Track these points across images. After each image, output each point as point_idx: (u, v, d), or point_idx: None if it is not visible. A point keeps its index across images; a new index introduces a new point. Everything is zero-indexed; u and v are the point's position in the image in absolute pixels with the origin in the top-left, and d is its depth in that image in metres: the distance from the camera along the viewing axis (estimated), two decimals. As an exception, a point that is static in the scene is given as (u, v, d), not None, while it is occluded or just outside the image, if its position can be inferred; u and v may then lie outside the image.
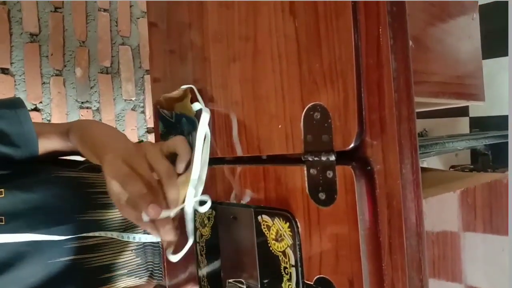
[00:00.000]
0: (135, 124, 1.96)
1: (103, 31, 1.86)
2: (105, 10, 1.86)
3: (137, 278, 0.76)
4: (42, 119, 1.67)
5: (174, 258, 0.54)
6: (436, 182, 0.54)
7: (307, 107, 0.45)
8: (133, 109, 1.96)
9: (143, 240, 0.75)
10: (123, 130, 1.91)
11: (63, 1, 1.74)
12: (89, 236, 0.68)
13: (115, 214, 0.73)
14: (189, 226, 0.57)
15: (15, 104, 0.68)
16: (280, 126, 0.49)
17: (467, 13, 0.64)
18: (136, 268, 0.76)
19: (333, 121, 0.43)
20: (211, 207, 0.60)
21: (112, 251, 0.72)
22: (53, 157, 0.74)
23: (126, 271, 0.74)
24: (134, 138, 1.94)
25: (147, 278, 0.78)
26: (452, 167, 1.60)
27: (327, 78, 0.44)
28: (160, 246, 0.80)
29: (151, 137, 2.00)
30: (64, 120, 1.73)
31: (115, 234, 0.71)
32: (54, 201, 0.66)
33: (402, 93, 0.40)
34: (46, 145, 0.70)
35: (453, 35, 0.61)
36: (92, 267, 0.69)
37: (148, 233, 0.74)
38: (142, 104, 1.99)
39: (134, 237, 0.73)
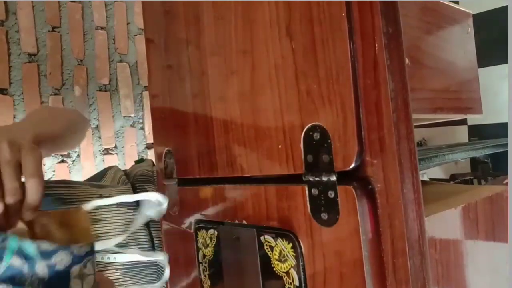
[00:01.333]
0: (135, 140, 1.96)
1: (100, 49, 1.87)
2: (102, 28, 1.87)
3: None
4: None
5: None
6: (436, 197, 0.54)
7: (307, 127, 0.45)
8: (132, 126, 1.96)
9: (118, 260, 0.70)
10: (123, 147, 1.92)
11: (60, 21, 1.75)
12: None
13: None
14: None
15: None
16: (280, 147, 0.49)
17: (461, 27, 0.65)
18: None
19: (332, 141, 0.43)
20: (213, 228, 0.60)
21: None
22: None
23: None
24: (134, 155, 1.94)
25: None
26: (452, 175, 1.60)
27: (325, 99, 0.44)
28: (159, 266, 0.79)
29: (151, 153, 2.00)
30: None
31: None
32: None
33: (400, 112, 0.41)
34: None
35: (448, 50, 0.62)
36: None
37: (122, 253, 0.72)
38: (141, 120, 1.99)
39: (108, 257, 0.69)
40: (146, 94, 2.00)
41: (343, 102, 0.42)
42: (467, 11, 0.66)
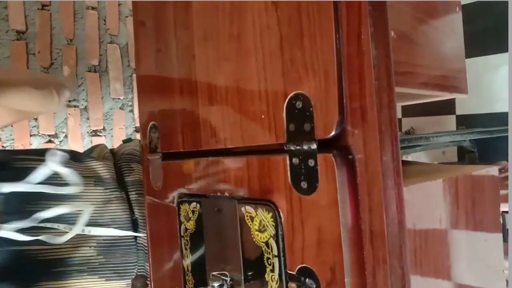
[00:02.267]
0: (124, 123, 1.95)
1: (91, 30, 1.84)
2: (93, 8, 1.85)
3: (103, 279, 0.74)
4: (28, 118, 1.65)
5: None
6: (419, 174, 0.54)
7: (289, 96, 0.45)
8: (121, 108, 1.94)
9: (93, 233, 0.71)
10: (111, 129, 1.90)
11: (50, -1, 1.73)
12: (42, 227, 0.67)
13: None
14: None
15: None
16: (263, 117, 0.49)
17: (450, 5, 0.65)
18: (99, 267, 0.74)
19: (314, 109, 0.43)
20: (196, 201, 0.60)
21: (67, 244, 0.70)
22: None
23: (85, 268, 0.72)
24: (122, 137, 1.93)
25: (124, 281, 0.76)
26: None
27: (308, 68, 0.44)
28: (142, 243, 0.79)
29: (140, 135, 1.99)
30: (51, 119, 1.72)
31: (61, 226, 0.69)
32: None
33: (383, 80, 0.40)
34: None
35: (436, 28, 0.62)
36: (45, 259, 0.67)
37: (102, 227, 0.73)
38: (130, 103, 1.98)
39: (83, 230, 0.70)
40: (135, 76, 1.98)
41: (326, 70, 0.42)
42: (455, -11, 0.66)
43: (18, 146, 1.62)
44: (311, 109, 0.43)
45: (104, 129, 1.88)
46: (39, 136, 1.68)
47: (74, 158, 0.79)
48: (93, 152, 0.92)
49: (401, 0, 0.58)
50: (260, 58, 0.49)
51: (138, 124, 1.99)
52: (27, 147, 1.64)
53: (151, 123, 0.73)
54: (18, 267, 0.64)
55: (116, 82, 1.92)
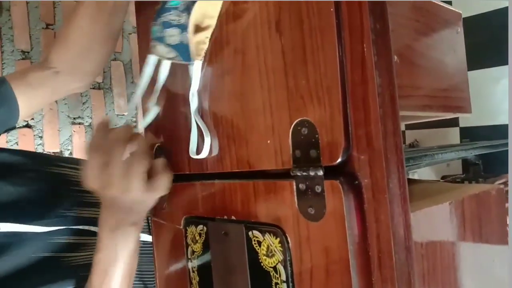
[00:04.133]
0: (128, 139, 1.95)
1: (95, 47, 1.87)
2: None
3: None
4: (34, 135, 1.66)
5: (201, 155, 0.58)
6: (424, 195, 0.55)
7: (295, 122, 0.46)
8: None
9: None
10: (116, 145, 1.91)
11: (54, 18, 1.75)
12: (74, 233, 0.67)
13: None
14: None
15: None
16: (269, 142, 0.49)
17: (451, 27, 0.66)
18: None
19: (320, 136, 0.43)
20: (203, 224, 0.60)
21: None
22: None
23: None
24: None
25: None
26: (444, 177, 1.61)
27: (313, 94, 0.44)
28: (150, 248, 0.78)
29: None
30: (56, 137, 1.73)
31: (93, 228, 0.69)
32: (40, 195, 0.66)
33: (387, 108, 0.41)
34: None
35: (438, 49, 0.62)
36: (76, 265, 0.68)
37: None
38: (134, 119, 1.99)
39: None
40: (140, 93, 1.99)
41: (331, 97, 0.43)
42: (457, 11, 0.66)
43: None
44: (316, 136, 0.44)
45: (108, 145, 1.89)
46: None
47: None
48: None
49: (401, 23, 0.59)
50: (265, 84, 0.50)
51: (142, 140, 1.99)
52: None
53: (156, 145, 0.73)
54: (50, 272, 0.64)
55: (120, 98, 1.94)
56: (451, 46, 0.65)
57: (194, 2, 0.56)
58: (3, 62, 1.62)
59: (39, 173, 0.70)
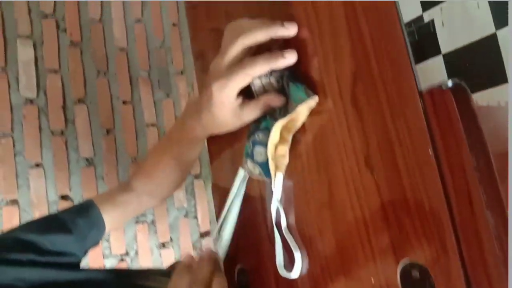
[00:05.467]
0: (189, 230, 1.97)
1: (152, 146, 1.95)
2: (153, 125, 1.96)
3: None
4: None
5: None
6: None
7: (403, 264, 0.44)
8: (185, 216, 1.98)
9: None
10: (178, 239, 1.93)
11: (114, 123, 1.85)
12: None
13: None
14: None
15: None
16: (373, 281, 0.47)
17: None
18: None
19: (436, 281, 0.41)
20: None
21: None
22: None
23: None
24: (188, 245, 1.95)
25: None
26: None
27: (420, 234, 0.43)
28: None
29: (205, 241, 2.00)
30: (122, 238, 1.77)
31: None
32: None
33: (505, 251, 0.39)
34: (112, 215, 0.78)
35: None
36: None
37: None
38: (193, 209, 2.01)
39: None
40: (196, 183, 2.03)
41: (442, 238, 0.41)
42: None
43: (93, 269, 1.66)
44: (430, 278, 0.42)
45: (171, 239, 1.91)
46: (112, 256, 1.72)
47: None
48: None
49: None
50: (359, 217, 0.49)
51: (202, 229, 2.01)
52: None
53: (238, 267, 0.72)
54: None
55: (179, 191, 1.98)
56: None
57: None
58: (70, 171, 1.71)
59: None
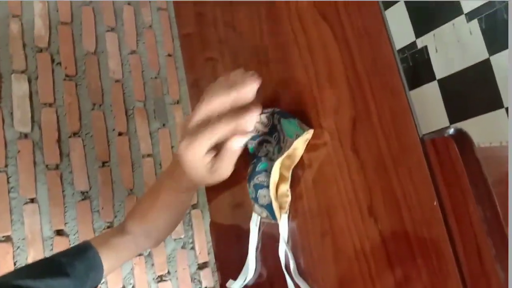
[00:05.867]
0: (187, 262, 1.94)
1: (148, 177, 1.93)
2: (148, 155, 1.95)
3: None
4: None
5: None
6: None
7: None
8: (183, 247, 1.95)
9: None
10: (175, 271, 1.89)
11: (110, 155, 1.83)
12: None
13: None
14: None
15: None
16: (381, 336, 0.45)
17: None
18: None
19: None
20: None
21: None
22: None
23: None
24: (186, 278, 1.91)
25: None
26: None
27: (426, 283, 0.41)
28: None
29: (203, 273, 1.97)
30: (119, 272, 1.73)
31: None
32: None
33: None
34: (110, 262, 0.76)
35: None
36: None
37: None
38: (191, 240, 1.98)
39: None
40: (194, 213, 2.01)
41: (451, 293, 0.39)
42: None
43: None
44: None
45: (168, 272, 1.87)
46: (108, 292, 1.68)
47: None
48: None
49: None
50: (366, 274, 0.47)
51: (200, 261, 1.97)
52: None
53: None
54: None
55: (175, 222, 1.95)
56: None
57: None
58: (65, 206, 1.68)
59: None
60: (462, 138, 0.41)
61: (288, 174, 0.58)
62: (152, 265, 1.83)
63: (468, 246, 0.39)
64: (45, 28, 1.83)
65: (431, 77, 1.64)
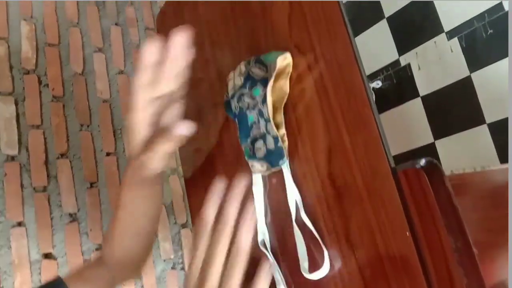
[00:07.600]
0: (177, 283, 1.92)
1: (137, 197, 1.92)
2: (137, 176, 1.94)
3: None
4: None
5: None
6: None
7: None
8: (173, 268, 1.94)
9: None
10: (166, 292, 1.88)
11: (97, 176, 1.83)
12: None
13: None
14: None
15: None
16: None
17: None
18: None
19: None
20: None
21: None
22: None
23: None
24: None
25: None
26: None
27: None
28: None
29: (194, 293, 1.95)
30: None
31: None
32: None
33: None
34: None
35: None
36: None
37: None
38: (181, 260, 1.97)
39: None
40: (183, 232, 2.00)
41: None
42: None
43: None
44: None
45: (158, 293, 1.86)
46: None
47: None
48: None
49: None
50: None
51: (190, 280, 1.96)
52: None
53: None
54: None
55: (165, 242, 1.94)
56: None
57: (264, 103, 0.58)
58: (53, 228, 1.67)
59: None
60: (433, 169, 0.42)
61: (281, 117, 0.58)
62: (142, 286, 1.81)
63: (440, 274, 0.40)
64: (32, 50, 1.83)
65: (415, 94, 1.67)
